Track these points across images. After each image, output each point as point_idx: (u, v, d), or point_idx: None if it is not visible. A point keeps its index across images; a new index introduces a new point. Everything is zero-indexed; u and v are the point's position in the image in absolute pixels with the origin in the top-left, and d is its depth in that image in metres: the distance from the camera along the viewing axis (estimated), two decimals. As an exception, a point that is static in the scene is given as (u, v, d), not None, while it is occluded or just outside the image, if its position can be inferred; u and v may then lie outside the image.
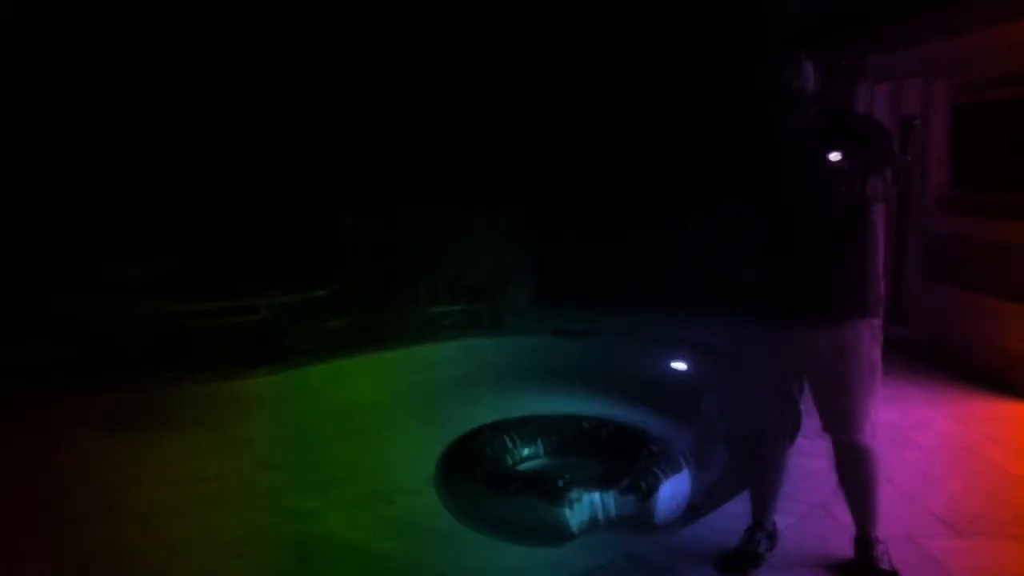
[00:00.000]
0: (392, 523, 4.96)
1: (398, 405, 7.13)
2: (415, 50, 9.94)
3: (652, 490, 4.70)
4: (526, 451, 5.82)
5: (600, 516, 4.62)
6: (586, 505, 4.59)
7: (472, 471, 5.20)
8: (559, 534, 4.50)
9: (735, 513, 3.57)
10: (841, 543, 3.31)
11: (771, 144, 3.16)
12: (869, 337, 3.06)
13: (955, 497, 3.96)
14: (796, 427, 3.46)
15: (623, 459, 5.22)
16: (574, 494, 4.59)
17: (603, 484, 4.76)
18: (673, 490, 4.82)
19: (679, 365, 7.52)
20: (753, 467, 3.47)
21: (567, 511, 4.51)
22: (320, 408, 6.97)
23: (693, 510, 4.57)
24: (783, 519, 3.53)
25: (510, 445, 5.75)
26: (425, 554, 4.61)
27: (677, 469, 5.02)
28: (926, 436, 4.83)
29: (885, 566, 3.08)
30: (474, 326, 8.87)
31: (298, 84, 9.69)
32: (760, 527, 3.36)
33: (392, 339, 8.24)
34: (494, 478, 5.10)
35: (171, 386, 6.84)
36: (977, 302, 6.20)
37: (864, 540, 3.17)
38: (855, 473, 3.18)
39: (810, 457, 4.09)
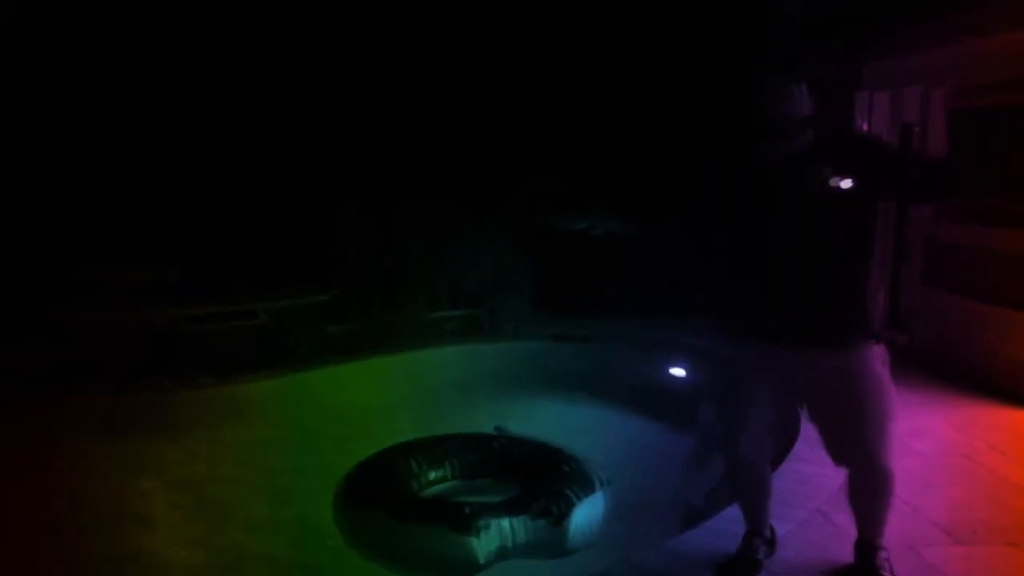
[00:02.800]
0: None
1: (399, 410, 7.14)
2: (415, 53, 9.95)
3: (565, 514, 4.51)
4: (433, 475, 5.47)
5: (510, 544, 4.38)
6: (495, 533, 4.35)
7: (372, 500, 4.83)
8: (466, 566, 4.28)
9: (736, 517, 3.57)
10: (841, 549, 3.31)
11: (764, 173, 2.98)
12: (879, 359, 2.94)
13: (955, 505, 3.96)
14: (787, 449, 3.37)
15: (536, 480, 4.99)
16: (482, 522, 4.35)
17: (513, 509, 4.53)
18: (587, 513, 4.64)
19: (678, 370, 7.52)
20: (737, 487, 3.42)
21: (475, 540, 4.27)
22: (320, 413, 6.98)
23: (693, 514, 4.55)
24: (782, 525, 3.53)
25: (415, 468, 5.39)
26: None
27: (591, 490, 4.83)
28: (925, 443, 4.83)
29: (886, 573, 3.08)
30: (474, 331, 8.88)
31: (297, 86, 9.69)
32: (758, 534, 3.36)
33: (392, 344, 8.25)
34: (396, 507, 4.71)
35: (170, 390, 6.85)
36: (977, 309, 6.21)
37: (867, 546, 3.16)
38: (866, 500, 3.12)
39: (809, 463, 4.10)
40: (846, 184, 2.82)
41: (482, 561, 4.27)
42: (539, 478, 5.02)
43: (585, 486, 4.86)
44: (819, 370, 2.94)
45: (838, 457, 3.09)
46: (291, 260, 8.79)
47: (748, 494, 3.36)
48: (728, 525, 3.59)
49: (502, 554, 4.37)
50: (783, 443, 3.22)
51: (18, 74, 8.52)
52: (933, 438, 4.96)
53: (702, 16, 9.49)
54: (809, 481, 4.05)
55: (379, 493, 4.89)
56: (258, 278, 8.62)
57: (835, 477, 4.12)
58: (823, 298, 2.92)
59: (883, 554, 3.14)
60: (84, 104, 8.89)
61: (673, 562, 3.38)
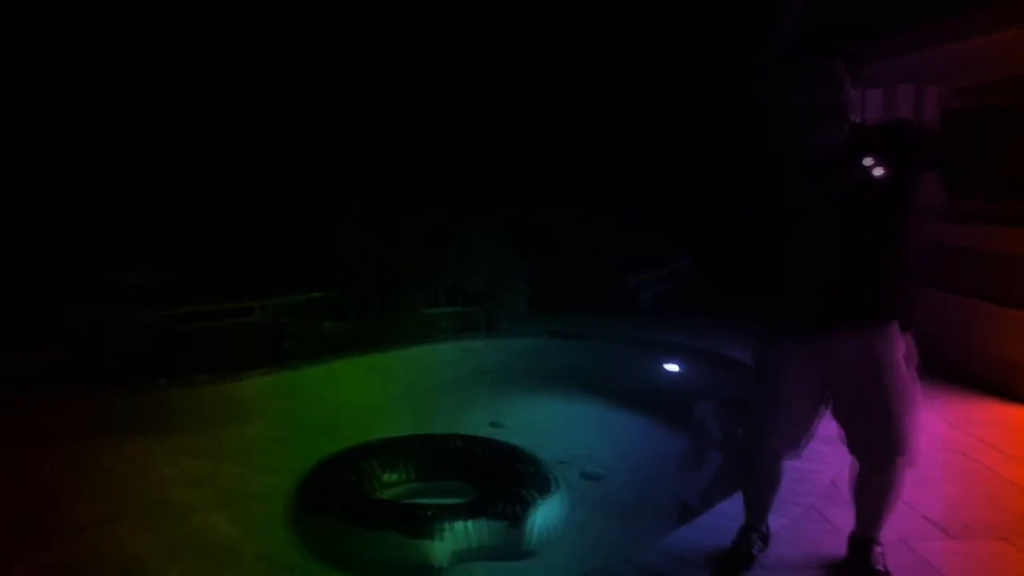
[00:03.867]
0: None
1: (395, 406, 7.16)
2: (411, 52, 9.95)
3: (523, 515, 4.48)
4: (391, 476, 5.42)
5: (469, 546, 4.36)
6: (453, 535, 4.33)
7: (329, 503, 4.75)
8: (425, 569, 4.25)
9: (730, 513, 3.57)
10: (835, 545, 3.32)
11: (801, 164, 2.92)
12: (903, 350, 2.91)
13: (950, 501, 3.96)
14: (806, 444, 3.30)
15: (495, 481, 4.96)
16: (440, 524, 4.33)
17: (471, 512, 4.49)
18: (546, 514, 4.62)
19: (671, 367, 7.54)
20: (750, 480, 3.39)
21: (434, 543, 4.25)
22: (317, 410, 6.99)
23: (687, 511, 4.56)
24: (777, 520, 3.53)
25: (373, 471, 5.35)
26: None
27: (549, 490, 4.81)
28: (921, 440, 4.82)
29: (880, 567, 3.08)
30: (470, 328, 8.89)
31: (296, 85, 9.69)
32: (753, 529, 3.36)
33: (389, 341, 8.25)
34: (353, 510, 4.64)
35: (166, 389, 6.84)
36: (972, 308, 6.22)
37: (863, 541, 3.16)
38: (876, 494, 3.08)
39: (804, 459, 4.08)
40: (879, 172, 2.79)
41: (440, 564, 4.24)
42: (498, 479, 4.97)
43: (544, 487, 4.82)
44: (849, 354, 2.91)
45: (863, 449, 3.04)
46: (288, 258, 8.79)
47: (760, 488, 3.33)
48: (722, 521, 3.60)
49: (461, 557, 4.33)
50: (806, 439, 3.15)
51: (18, 74, 8.52)
52: (929, 434, 4.95)
53: (704, 16, 9.53)
54: (804, 477, 4.06)
55: (335, 496, 4.80)
56: (254, 276, 8.62)
57: (829, 473, 4.15)
58: (857, 284, 2.87)
59: (878, 549, 3.14)
60: (84, 104, 8.89)
61: (668, 558, 3.38)
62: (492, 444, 5.69)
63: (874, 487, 3.09)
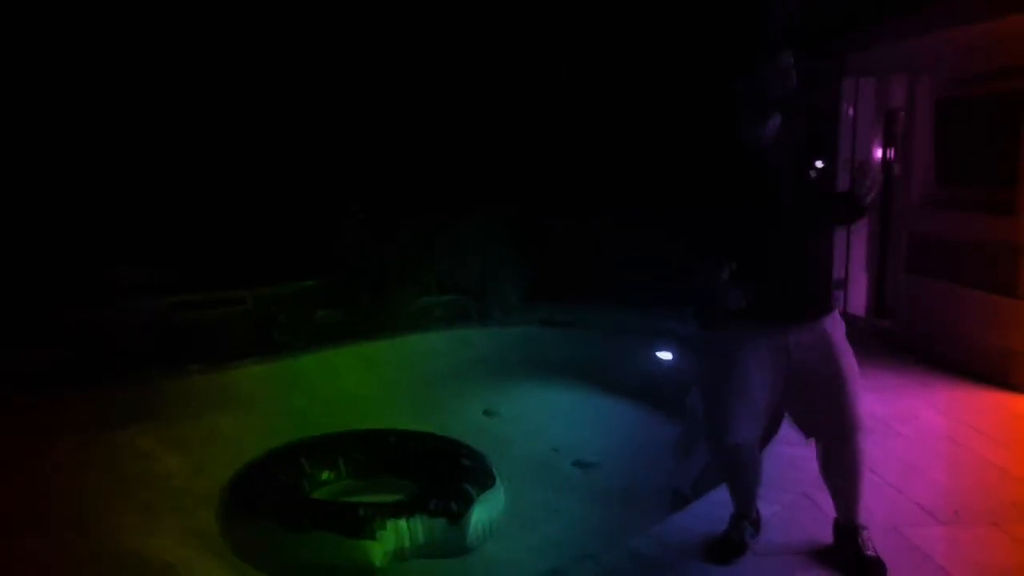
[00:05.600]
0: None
1: (388, 395, 7.17)
2: (402, 47, 9.94)
3: (463, 511, 4.38)
4: (324, 475, 5.23)
5: (408, 544, 4.25)
6: (391, 534, 4.21)
7: (258, 506, 4.53)
8: (362, 570, 4.12)
9: (722, 501, 3.60)
10: (825, 531, 3.35)
11: (754, 155, 3.03)
12: (843, 329, 3.10)
13: (938, 486, 4.01)
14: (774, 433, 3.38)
15: (433, 476, 4.84)
16: (377, 523, 4.20)
17: (409, 509, 4.37)
18: (486, 509, 4.53)
19: (662, 355, 7.57)
20: (729, 473, 3.42)
21: (370, 544, 4.12)
22: (309, 399, 6.98)
23: (679, 499, 4.58)
24: (768, 507, 3.56)
25: (305, 469, 5.14)
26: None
27: (489, 485, 4.72)
28: (910, 427, 4.88)
29: (870, 552, 3.11)
30: (462, 317, 8.90)
31: (288, 79, 9.67)
32: (744, 516, 3.39)
33: (382, 330, 8.25)
34: (284, 512, 4.43)
35: (158, 381, 6.81)
36: (960, 295, 6.26)
37: (849, 528, 3.20)
38: (844, 469, 3.14)
39: (794, 446, 4.12)
40: (814, 173, 2.99)
41: (378, 564, 4.15)
42: (437, 475, 4.86)
43: (484, 481, 4.73)
44: (805, 340, 3.03)
45: (816, 427, 3.15)
46: (279, 247, 8.79)
47: (738, 478, 3.37)
48: (714, 508, 3.62)
49: (399, 556, 4.24)
50: (772, 426, 3.22)
51: (17, 75, 8.49)
52: (918, 421, 5.01)
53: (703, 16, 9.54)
54: (795, 464, 4.09)
55: (266, 498, 4.61)
56: (245, 266, 8.60)
57: (820, 460, 4.18)
58: (809, 274, 3.06)
59: (865, 533, 3.17)
60: (83, 103, 8.87)
61: (660, 546, 3.41)
62: (430, 439, 5.54)
63: (844, 464, 3.14)
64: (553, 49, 10.20)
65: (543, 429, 6.43)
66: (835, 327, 3.08)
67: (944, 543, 3.39)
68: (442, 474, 4.85)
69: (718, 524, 3.41)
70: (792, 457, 4.09)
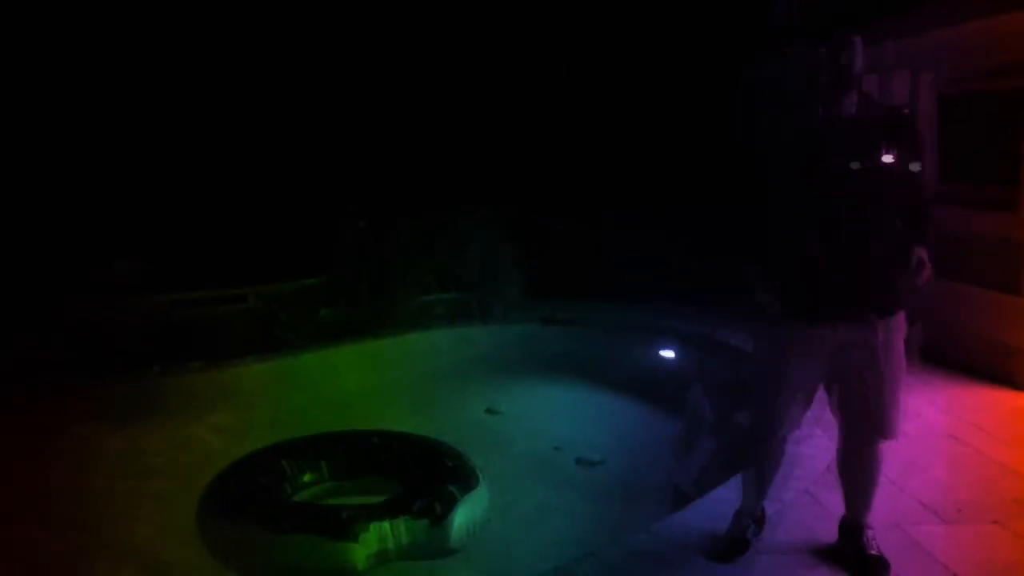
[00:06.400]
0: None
1: (390, 393, 7.16)
2: (403, 46, 9.95)
3: (446, 512, 4.36)
4: (307, 476, 5.17)
5: (391, 547, 4.22)
6: (374, 536, 4.18)
7: (239, 508, 4.46)
8: (345, 572, 4.09)
9: (723, 498, 3.60)
10: (827, 529, 3.35)
11: (808, 141, 2.94)
12: (901, 331, 3.01)
13: (940, 484, 4.01)
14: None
15: (415, 478, 4.80)
16: (360, 525, 4.17)
17: (392, 511, 4.34)
18: (470, 510, 4.51)
19: (665, 353, 7.57)
20: (756, 465, 3.39)
21: (353, 546, 4.09)
22: (311, 396, 6.98)
23: (681, 496, 4.58)
24: (770, 505, 3.56)
25: (287, 471, 5.08)
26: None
27: (472, 485, 4.69)
28: (912, 424, 4.86)
29: (873, 551, 3.11)
30: (464, 315, 8.89)
31: (287, 76, 9.67)
32: (748, 513, 3.38)
33: (383, 328, 8.25)
34: (265, 515, 4.36)
35: (159, 378, 6.81)
36: (964, 293, 6.25)
37: (855, 526, 3.20)
38: (865, 470, 3.14)
39: (796, 444, 4.13)
40: (888, 159, 2.84)
41: (361, 566, 4.12)
42: (420, 475, 4.83)
43: (467, 482, 4.70)
44: (855, 339, 2.95)
45: (849, 425, 3.11)
46: (281, 245, 8.78)
47: (763, 471, 3.36)
48: (716, 506, 3.63)
49: (383, 558, 4.21)
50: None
51: (22, 72, 8.50)
52: (920, 419, 5.00)
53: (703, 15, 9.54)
54: (797, 462, 4.09)
55: (247, 500, 4.55)
56: (246, 263, 8.60)
57: (823, 458, 4.18)
58: (864, 272, 2.93)
59: (869, 532, 3.17)
60: (87, 101, 8.88)
61: (663, 543, 3.41)
62: (412, 439, 5.50)
63: (865, 466, 3.15)
64: (553, 49, 10.20)
65: (544, 427, 6.42)
66: (892, 331, 2.98)
67: (946, 540, 3.39)
68: (426, 475, 4.81)
69: (720, 521, 3.41)
70: (794, 455, 4.09)
